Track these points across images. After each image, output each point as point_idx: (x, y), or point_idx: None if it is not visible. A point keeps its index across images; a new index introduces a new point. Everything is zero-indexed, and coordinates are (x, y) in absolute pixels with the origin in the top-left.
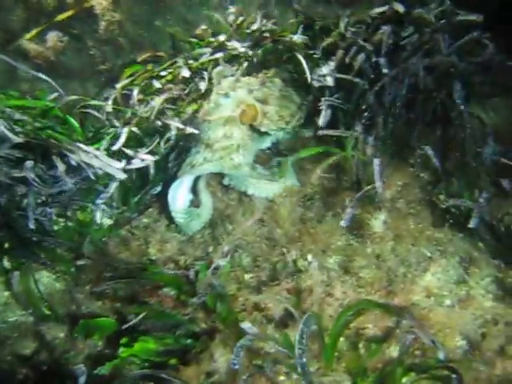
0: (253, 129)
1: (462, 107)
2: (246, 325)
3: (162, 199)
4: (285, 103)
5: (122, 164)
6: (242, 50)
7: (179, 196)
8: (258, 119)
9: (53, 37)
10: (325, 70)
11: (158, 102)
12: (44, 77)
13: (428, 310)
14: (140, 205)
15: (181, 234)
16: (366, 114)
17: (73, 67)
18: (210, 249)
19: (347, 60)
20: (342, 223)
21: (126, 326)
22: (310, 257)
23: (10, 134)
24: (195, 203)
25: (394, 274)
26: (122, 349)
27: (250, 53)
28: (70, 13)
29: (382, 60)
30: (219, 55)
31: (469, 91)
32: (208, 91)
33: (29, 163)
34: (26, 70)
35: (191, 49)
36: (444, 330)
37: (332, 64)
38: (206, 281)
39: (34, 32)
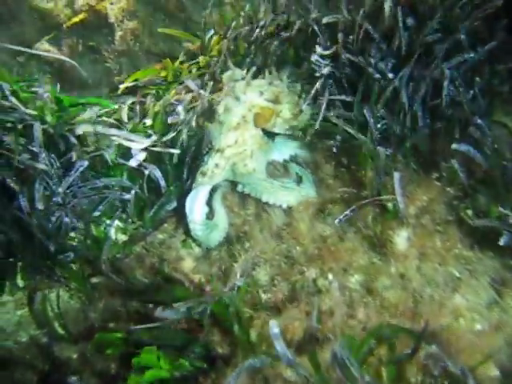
0: (266, 133)
1: (479, 120)
2: (273, 324)
3: (177, 214)
4: (295, 99)
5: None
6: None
7: (196, 207)
8: (272, 120)
9: (68, 44)
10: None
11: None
12: None
13: (457, 334)
14: (155, 220)
15: (200, 248)
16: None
17: (88, 78)
18: (227, 266)
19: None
20: (336, 222)
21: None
22: (330, 276)
23: None
24: (211, 217)
25: (420, 295)
26: (131, 376)
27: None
28: (81, 16)
29: (382, 64)
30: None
31: (494, 99)
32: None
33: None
34: None
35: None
36: (474, 358)
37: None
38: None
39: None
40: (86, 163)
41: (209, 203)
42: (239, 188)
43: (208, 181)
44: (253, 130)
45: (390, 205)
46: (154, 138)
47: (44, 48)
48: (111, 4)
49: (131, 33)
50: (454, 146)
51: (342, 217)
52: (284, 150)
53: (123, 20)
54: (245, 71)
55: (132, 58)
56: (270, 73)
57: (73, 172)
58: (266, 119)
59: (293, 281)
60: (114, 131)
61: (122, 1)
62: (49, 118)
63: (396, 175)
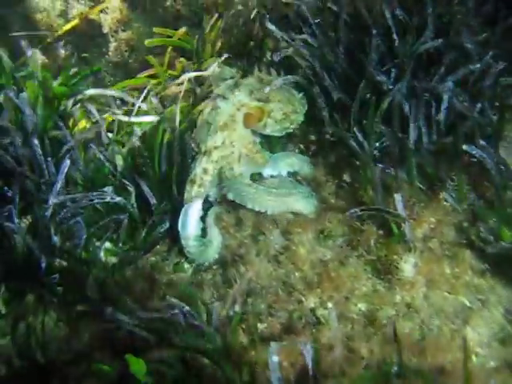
0: (255, 133)
1: (483, 142)
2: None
3: (170, 235)
4: (287, 98)
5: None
6: None
7: (189, 223)
8: (263, 121)
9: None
10: None
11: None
12: None
13: (468, 372)
14: (147, 241)
15: (193, 270)
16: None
17: None
18: (221, 293)
19: None
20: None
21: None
22: (330, 305)
23: None
24: (204, 235)
25: (428, 326)
26: None
27: None
28: (74, 23)
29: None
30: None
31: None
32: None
33: None
34: None
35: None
36: None
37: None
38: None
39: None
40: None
41: (202, 218)
42: (229, 196)
43: (198, 191)
44: (241, 130)
45: (394, 227)
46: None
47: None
48: (105, 14)
49: (126, 44)
50: (464, 147)
51: (342, 240)
52: (280, 165)
53: (117, 30)
54: (234, 70)
55: (127, 69)
56: (261, 70)
57: (59, 176)
58: (256, 119)
59: (291, 310)
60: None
61: (115, 11)
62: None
63: (397, 197)
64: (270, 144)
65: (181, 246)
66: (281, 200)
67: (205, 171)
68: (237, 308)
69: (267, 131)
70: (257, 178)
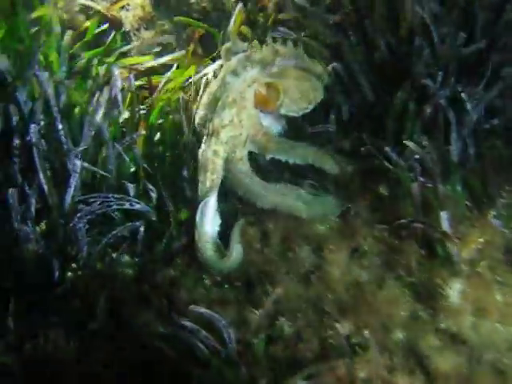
0: (271, 115)
1: None
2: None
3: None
4: (304, 73)
5: None
6: None
7: (206, 222)
8: (278, 100)
9: None
10: None
11: None
12: None
13: None
14: (166, 253)
15: (214, 271)
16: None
17: None
18: (245, 314)
19: None
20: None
21: None
22: (367, 333)
23: None
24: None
25: (478, 361)
26: None
27: None
28: (93, 21)
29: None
30: None
31: None
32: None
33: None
34: None
35: None
36: None
37: None
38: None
39: None
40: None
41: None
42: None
43: (212, 179)
44: (251, 109)
45: (438, 247)
46: None
47: None
48: (127, 11)
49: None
50: None
51: (379, 259)
52: (291, 153)
53: (139, 28)
54: (246, 43)
55: (149, 70)
56: (276, 41)
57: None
58: (268, 98)
59: (322, 337)
60: None
61: (137, 8)
62: None
63: (443, 215)
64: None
65: (200, 265)
66: (275, 195)
67: (215, 153)
68: (262, 333)
69: (282, 111)
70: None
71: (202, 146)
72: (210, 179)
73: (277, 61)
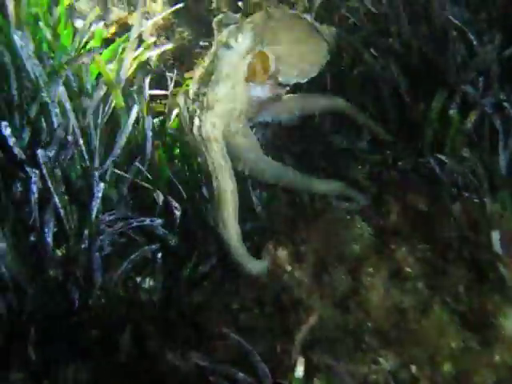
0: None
1: None
2: None
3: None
4: (303, 37)
5: None
6: None
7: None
8: (269, 70)
9: None
10: None
11: None
12: None
13: None
14: (191, 279)
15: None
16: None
17: None
18: (278, 345)
19: None
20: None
21: None
22: (414, 368)
23: None
24: None
25: None
26: None
27: None
28: (112, 31)
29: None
30: None
31: None
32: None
33: None
34: None
35: None
36: None
37: None
38: None
39: None
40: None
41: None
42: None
43: (215, 149)
44: (245, 83)
45: (489, 271)
46: None
47: None
48: (145, 20)
49: (167, 52)
50: None
51: (423, 283)
52: None
53: (159, 37)
54: (239, 15)
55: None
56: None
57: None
58: (259, 69)
59: (364, 373)
60: None
61: (156, 16)
62: None
63: (494, 235)
64: None
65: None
66: (277, 169)
67: (214, 125)
68: (299, 369)
69: (281, 80)
70: None
71: (196, 121)
72: (215, 150)
73: (270, 26)
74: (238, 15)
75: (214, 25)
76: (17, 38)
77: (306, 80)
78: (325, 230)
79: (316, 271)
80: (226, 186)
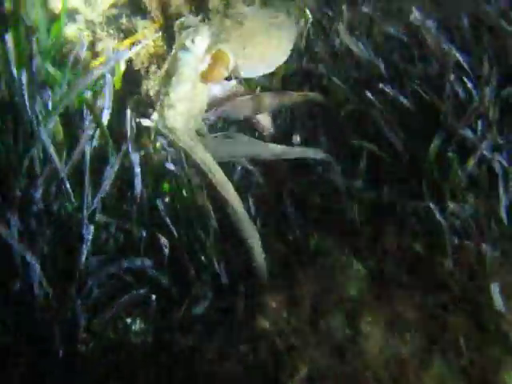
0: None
1: None
2: None
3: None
4: (264, 27)
5: None
6: None
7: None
8: (227, 68)
9: None
10: None
11: None
12: None
13: None
14: (184, 319)
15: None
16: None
17: None
18: None
19: None
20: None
21: None
22: None
23: None
24: None
25: None
26: None
27: None
28: (101, 59)
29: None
30: None
31: None
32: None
33: None
34: None
35: None
36: None
37: None
38: None
39: None
40: None
41: None
42: None
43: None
44: (200, 84)
45: (489, 322)
46: None
47: None
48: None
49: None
50: None
51: (421, 332)
52: None
53: (150, 66)
54: (199, 17)
55: None
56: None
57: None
58: (216, 68)
59: None
60: None
61: (149, 43)
62: None
63: (493, 287)
64: None
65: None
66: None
67: (175, 119)
68: None
69: (242, 74)
70: None
71: (161, 119)
72: (182, 136)
73: (226, 25)
74: (199, 18)
75: (175, 28)
76: None
77: (271, 70)
78: (320, 273)
79: (312, 317)
80: (206, 160)
